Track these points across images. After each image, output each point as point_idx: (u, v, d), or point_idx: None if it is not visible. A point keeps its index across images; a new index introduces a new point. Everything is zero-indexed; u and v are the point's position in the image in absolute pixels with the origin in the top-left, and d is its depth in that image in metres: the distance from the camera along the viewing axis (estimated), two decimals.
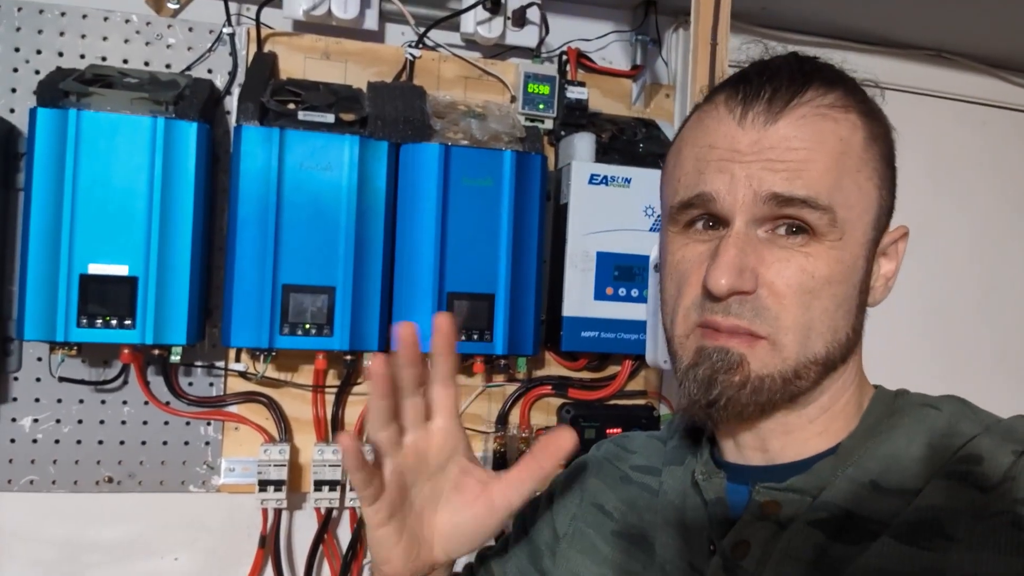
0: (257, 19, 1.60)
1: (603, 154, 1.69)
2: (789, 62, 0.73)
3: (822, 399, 0.74)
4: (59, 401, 1.55)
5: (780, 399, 0.72)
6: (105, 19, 1.57)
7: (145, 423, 1.59)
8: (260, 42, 1.62)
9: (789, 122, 0.70)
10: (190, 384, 1.60)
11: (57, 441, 1.55)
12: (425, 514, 0.81)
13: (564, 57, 1.79)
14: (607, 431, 1.73)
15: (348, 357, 1.55)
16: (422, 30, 1.70)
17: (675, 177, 0.77)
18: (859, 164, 0.71)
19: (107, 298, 1.39)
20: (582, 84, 1.74)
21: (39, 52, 1.54)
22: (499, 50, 1.79)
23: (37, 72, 1.53)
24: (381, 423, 0.76)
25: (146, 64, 1.59)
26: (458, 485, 0.81)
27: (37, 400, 1.54)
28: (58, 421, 1.55)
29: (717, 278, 0.68)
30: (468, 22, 1.72)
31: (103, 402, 1.57)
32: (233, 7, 1.62)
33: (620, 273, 1.66)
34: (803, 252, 0.69)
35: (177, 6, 1.61)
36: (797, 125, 0.70)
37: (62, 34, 1.55)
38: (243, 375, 1.62)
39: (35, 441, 1.54)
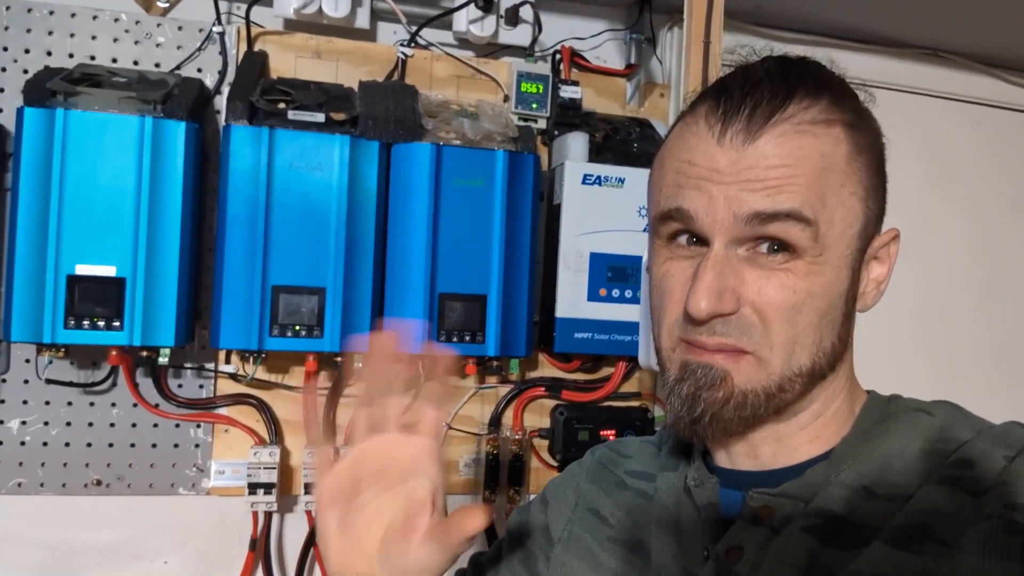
0: (247, 18, 1.59)
1: (597, 154, 1.68)
2: (771, 72, 0.72)
3: (813, 407, 0.75)
4: (47, 403, 1.54)
5: (765, 413, 0.72)
6: (94, 18, 1.56)
7: (134, 425, 1.58)
8: (250, 41, 1.61)
9: (768, 140, 0.68)
10: (179, 386, 1.59)
11: (45, 444, 1.54)
12: (374, 526, 0.76)
13: (558, 56, 1.79)
14: (601, 433, 1.72)
15: (339, 359, 1.54)
16: (414, 29, 1.69)
17: (657, 188, 0.76)
18: (842, 179, 0.70)
19: (95, 299, 1.38)
20: (576, 83, 1.73)
21: (27, 51, 1.53)
22: (492, 49, 1.78)
23: (25, 71, 1.52)
24: (365, 400, 0.76)
25: (135, 63, 1.58)
26: (404, 530, 0.74)
27: (25, 402, 1.53)
28: (46, 423, 1.54)
29: (696, 302, 0.68)
30: (460, 21, 1.70)
31: (92, 404, 1.56)
32: (223, 6, 1.61)
33: (613, 274, 1.65)
34: (784, 270, 0.69)
35: (167, 5, 1.60)
36: (776, 143, 0.68)
37: (51, 33, 1.54)
38: (233, 377, 1.61)
39: (23, 444, 1.53)
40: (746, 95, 0.70)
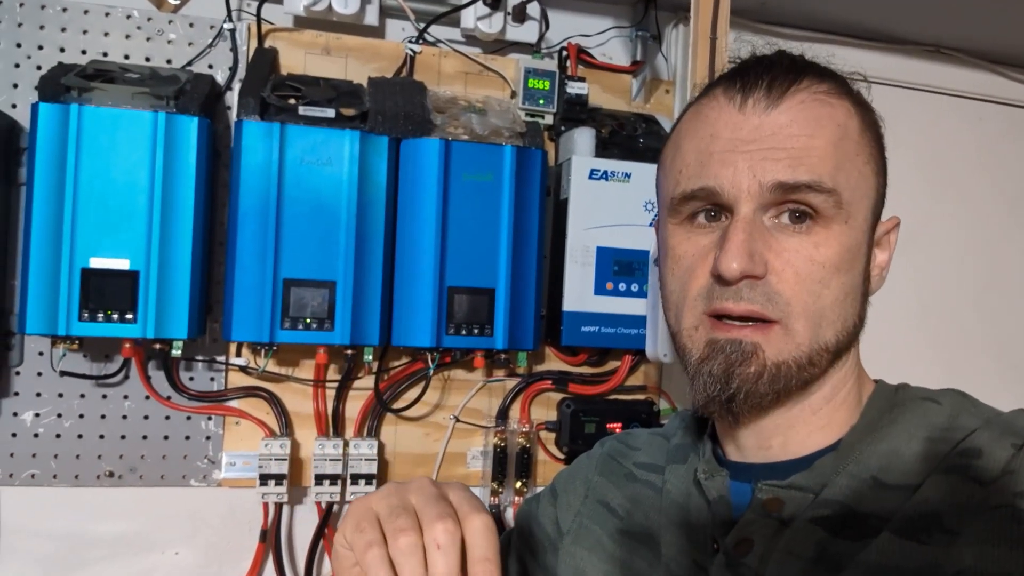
0: (258, 14, 1.60)
1: (603, 149, 1.69)
2: (782, 56, 0.75)
3: (825, 388, 0.75)
4: (60, 395, 1.55)
5: (795, 385, 0.72)
6: (106, 14, 1.57)
7: (146, 417, 1.59)
8: (261, 37, 1.62)
9: (790, 107, 0.71)
10: (191, 379, 1.61)
11: (58, 435, 1.55)
12: None
13: (564, 53, 1.80)
14: (607, 426, 1.74)
15: (349, 351, 1.55)
16: (422, 25, 1.70)
17: (675, 169, 0.76)
18: (857, 148, 0.72)
19: (108, 292, 1.40)
20: (582, 79, 1.74)
21: (41, 47, 1.54)
22: (499, 46, 1.79)
23: (39, 67, 1.53)
24: None
25: (147, 59, 1.59)
26: None
27: (38, 394, 1.54)
28: (59, 415, 1.55)
29: (728, 262, 0.68)
30: (468, 17, 1.72)
31: (104, 396, 1.57)
32: (234, 3, 1.62)
33: (620, 268, 1.66)
34: (811, 241, 0.70)
35: (178, 2, 1.61)
36: (797, 110, 0.70)
37: (64, 29, 1.55)
38: (244, 370, 1.63)
39: (36, 435, 1.54)
40: (763, 71, 0.72)
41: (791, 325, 0.70)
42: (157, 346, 1.47)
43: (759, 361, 0.70)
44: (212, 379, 1.62)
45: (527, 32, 1.76)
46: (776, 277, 0.69)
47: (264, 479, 1.57)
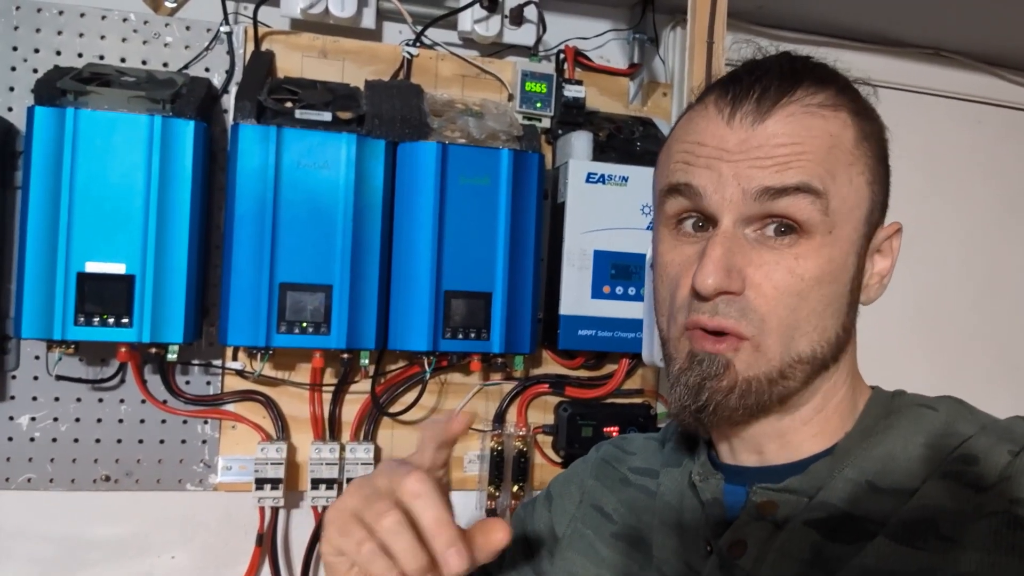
0: (254, 18, 1.60)
1: (600, 152, 1.69)
2: (780, 61, 0.74)
3: (815, 400, 0.74)
4: (56, 399, 1.55)
5: (769, 401, 0.71)
6: (103, 18, 1.57)
7: (142, 421, 1.59)
8: (257, 41, 1.62)
9: (777, 120, 0.70)
10: (187, 382, 1.60)
11: (54, 439, 1.55)
12: None
13: (562, 55, 1.79)
14: (604, 429, 1.73)
15: (345, 355, 1.55)
16: (419, 28, 1.70)
17: (665, 167, 0.77)
18: (850, 159, 0.71)
19: (104, 296, 1.39)
20: (579, 83, 1.74)
21: (37, 51, 1.54)
22: (496, 48, 1.79)
23: (35, 71, 1.53)
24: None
25: (143, 63, 1.59)
26: None
27: (35, 398, 1.54)
28: (55, 419, 1.55)
29: (704, 278, 0.68)
30: (465, 20, 1.72)
31: (100, 400, 1.57)
32: (231, 6, 1.62)
33: (617, 271, 1.66)
34: (792, 253, 0.69)
35: (175, 5, 1.61)
36: (785, 123, 0.69)
37: (60, 33, 1.55)
38: (240, 373, 1.62)
39: (32, 439, 1.54)
40: (755, 81, 0.71)
41: (762, 341, 0.69)
42: (153, 350, 1.47)
43: (731, 376, 0.70)
44: (208, 383, 1.62)
45: (524, 35, 1.76)
46: (754, 292, 0.69)
47: (260, 483, 1.57)
